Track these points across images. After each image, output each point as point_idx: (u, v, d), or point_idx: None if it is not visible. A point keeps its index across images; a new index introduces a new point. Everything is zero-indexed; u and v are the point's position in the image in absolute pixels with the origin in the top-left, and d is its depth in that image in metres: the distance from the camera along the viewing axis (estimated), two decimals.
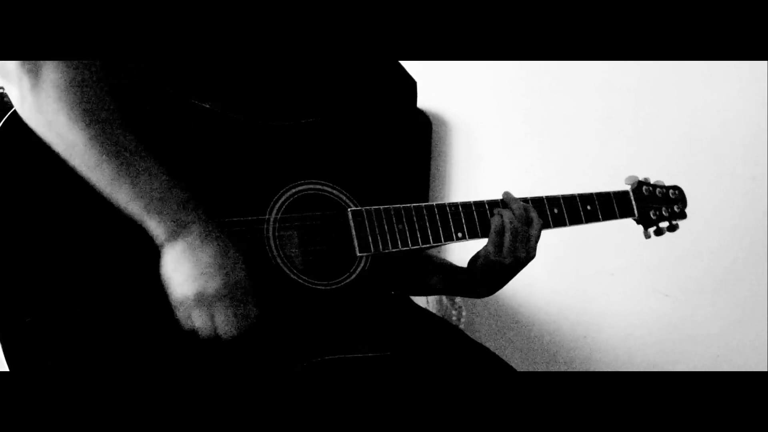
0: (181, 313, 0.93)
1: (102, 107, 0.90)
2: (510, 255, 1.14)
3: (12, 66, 0.87)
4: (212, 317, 0.93)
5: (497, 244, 1.14)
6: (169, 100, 0.96)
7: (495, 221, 1.14)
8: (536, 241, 1.17)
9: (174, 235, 0.92)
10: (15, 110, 0.90)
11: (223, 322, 0.93)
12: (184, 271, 0.91)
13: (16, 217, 0.91)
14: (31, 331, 0.89)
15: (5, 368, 0.90)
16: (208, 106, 1.02)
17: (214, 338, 0.94)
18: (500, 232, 1.14)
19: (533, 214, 1.16)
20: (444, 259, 1.35)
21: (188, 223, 0.92)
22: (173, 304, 0.93)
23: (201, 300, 0.92)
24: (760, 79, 2.19)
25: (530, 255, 1.17)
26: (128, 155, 0.90)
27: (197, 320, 0.93)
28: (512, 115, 2.46)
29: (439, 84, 2.46)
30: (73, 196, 0.92)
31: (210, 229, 0.94)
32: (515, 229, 1.13)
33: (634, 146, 2.28)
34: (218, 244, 0.93)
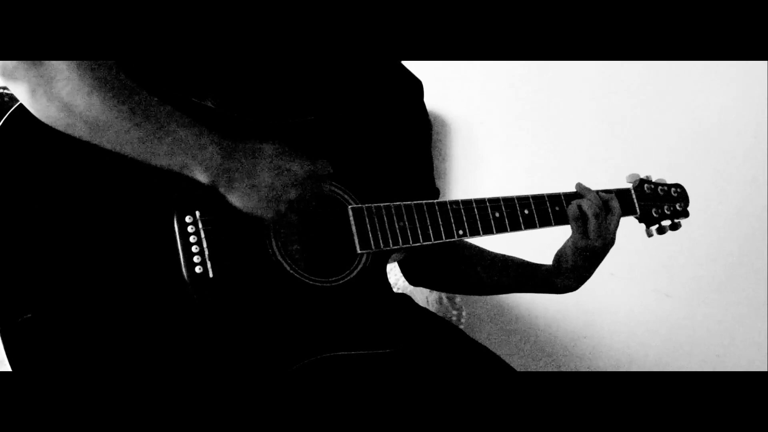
0: (284, 222, 1.02)
1: (116, 77, 0.90)
2: (598, 238, 1.20)
3: (16, 63, 0.87)
4: (300, 214, 1.02)
5: (582, 230, 1.20)
6: (168, 99, 0.96)
7: (571, 210, 1.20)
8: (616, 227, 1.22)
9: (221, 174, 0.94)
10: (12, 112, 0.90)
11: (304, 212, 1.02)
12: (253, 201, 0.96)
13: (17, 215, 0.90)
14: (32, 328, 0.89)
15: (6, 368, 0.90)
16: (209, 104, 1.02)
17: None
18: (578, 218, 1.20)
19: (613, 203, 1.22)
20: (507, 255, 1.35)
21: (230, 159, 0.94)
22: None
23: (286, 212, 0.99)
24: (760, 79, 2.19)
25: (613, 240, 1.22)
26: (155, 112, 0.91)
27: (294, 223, 1.03)
28: (512, 115, 2.46)
29: (439, 84, 2.45)
30: (71, 193, 0.93)
31: (251, 153, 0.97)
32: (596, 213, 1.19)
33: (635, 146, 2.28)
34: (267, 161, 0.98)
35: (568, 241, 1.23)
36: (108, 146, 0.91)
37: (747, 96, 2.22)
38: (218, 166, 0.94)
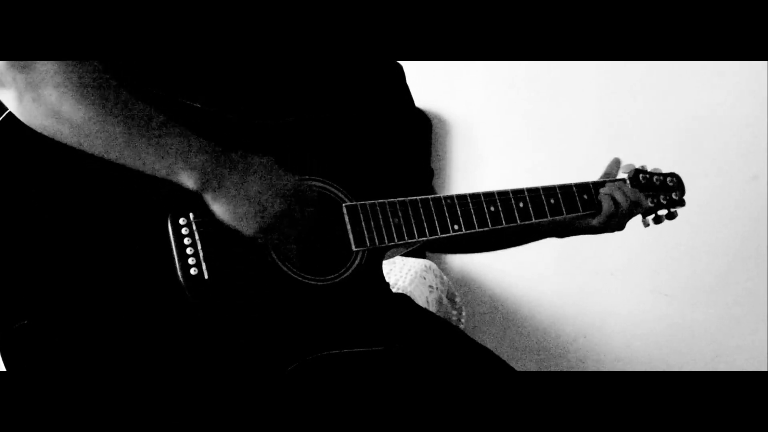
0: (263, 241, 0.99)
1: (104, 81, 0.90)
2: (607, 227, 1.29)
3: (2, 67, 0.86)
4: (284, 232, 0.99)
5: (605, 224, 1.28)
6: (158, 100, 0.96)
7: (606, 203, 1.27)
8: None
9: (209, 181, 0.93)
10: (2, 119, 0.90)
11: (293, 226, 0.99)
12: (240, 212, 0.95)
13: (11, 221, 0.90)
14: (28, 334, 0.89)
15: (2, 368, 0.90)
16: (198, 105, 1.02)
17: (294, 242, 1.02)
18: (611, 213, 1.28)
19: (644, 201, 1.30)
20: None
21: (218, 165, 0.93)
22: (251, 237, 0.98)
23: (269, 228, 0.97)
24: (760, 79, 2.19)
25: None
26: (142, 118, 0.90)
27: (277, 239, 0.99)
28: (512, 115, 2.46)
29: (439, 84, 2.46)
30: (65, 197, 0.92)
31: (242, 163, 0.95)
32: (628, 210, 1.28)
33: (634, 145, 2.28)
34: (257, 175, 0.96)
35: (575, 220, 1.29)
36: (96, 152, 0.90)
37: (747, 96, 2.22)
38: (206, 174, 0.92)
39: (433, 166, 1.40)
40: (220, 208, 0.95)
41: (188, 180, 0.92)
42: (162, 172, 0.92)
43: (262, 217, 0.96)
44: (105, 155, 0.90)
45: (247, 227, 0.96)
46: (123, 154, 0.90)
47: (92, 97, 0.88)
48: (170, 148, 0.91)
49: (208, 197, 0.94)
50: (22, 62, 0.86)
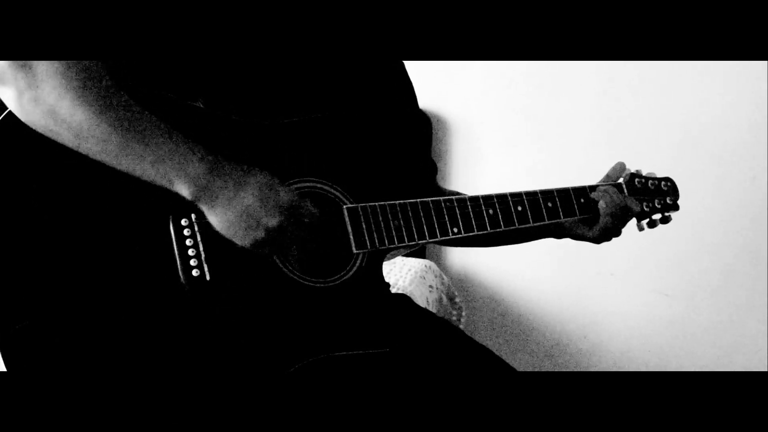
0: (258, 251, 0.98)
1: (103, 84, 0.90)
2: (601, 237, 1.29)
3: (3, 66, 0.86)
4: (277, 245, 0.99)
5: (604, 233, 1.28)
6: (159, 101, 0.96)
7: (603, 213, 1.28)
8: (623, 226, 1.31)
9: (203, 192, 0.93)
10: (3, 117, 0.89)
11: (287, 240, 0.99)
12: (233, 225, 0.95)
13: (13, 221, 0.90)
14: (29, 335, 0.89)
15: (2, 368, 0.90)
16: (199, 105, 1.02)
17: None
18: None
19: (632, 205, 1.29)
20: None
21: (215, 176, 0.93)
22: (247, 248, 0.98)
23: (262, 242, 0.96)
24: (760, 79, 2.19)
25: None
26: (140, 123, 0.90)
27: (269, 252, 0.99)
28: (511, 115, 2.46)
29: (439, 84, 2.46)
30: (67, 198, 0.92)
31: (236, 176, 0.95)
32: (613, 213, 1.27)
33: (634, 145, 2.28)
34: (251, 189, 0.96)
35: (576, 226, 1.29)
36: (92, 155, 0.90)
37: (747, 96, 2.22)
38: (202, 183, 0.92)
39: (434, 160, 1.40)
40: (214, 219, 0.95)
41: (183, 190, 0.93)
42: (157, 179, 0.92)
43: (255, 230, 0.96)
44: (101, 158, 0.90)
45: (240, 239, 0.96)
46: (118, 159, 0.90)
47: (90, 99, 0.88)
48: (166, 157, 0.91)
49: (203, 207, 0.94)
50: (21, 61, 0.86)
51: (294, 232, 0.99)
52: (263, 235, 0.96)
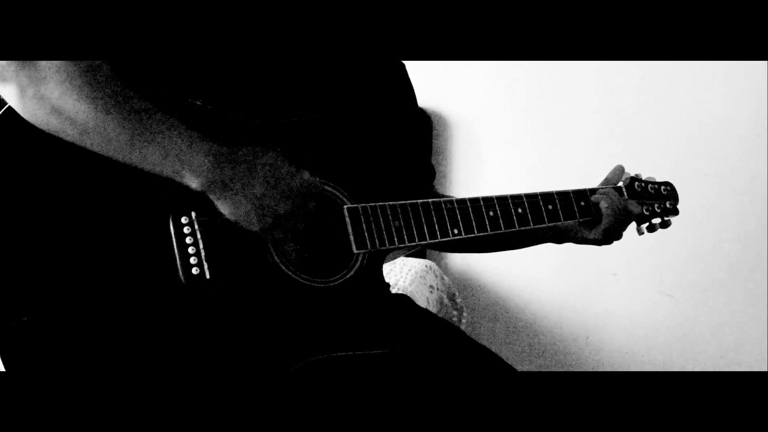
0: (267, 237, 1.00)
1: (107, 79, 0.90)
2: (603, 239, 1.30)
3: (5, 63, 0.86)
4: (287, 230, 1.00)
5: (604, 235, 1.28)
6: (162, 99, 0.96)
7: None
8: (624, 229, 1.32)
9: (212, 182, 0.93)
10: (1, 114, 0.89)
11: (297, 224, 1.00)
12: (242, 211, 0.95)
13: (12, 218, 0.90)
14: (28, 331, 0.89)
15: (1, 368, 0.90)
16: (199, 102, 1.02)
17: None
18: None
19: (632, 208, 1.30)
20: None
21: (221, 166, 0.93)
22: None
23: (272, 226, 0.97)
24: (760, 79, 2.19)
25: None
26: (146, 117, 0.90)
27: (281, 236, 1.00)
28: (512, 114, 2.46)
29: (440, 83, 2.46)
30: (67, 195, 0.92)
31: (245, 163, 0.95)
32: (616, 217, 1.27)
33: (634, 146, 2.29)
34: (261, 174, 0.96)
35: (577, 229, 1.29)
36: (98, 150, 0.90)
37: (747, 96, 2.22)
38: (210, 174, 0.92)
39: (433, 164, 1.40)
40: (223, 207, 0.95)
41: (192, 180, 0.93)
42: (165, 172, 0.92)
43: (265, 216, 0.96)
44: (108, 153, 0.90)
45: (251, 225, 0.96)
46: (126, 153, 0.90)
47: (95, 95, 0.88)
48: (173, 148, 0.91)
49: (212, 196, 0.95)
50: (22, 61, 0.86)
51: (303, 215, 1.00)
52: (273, 220, 0.97)
